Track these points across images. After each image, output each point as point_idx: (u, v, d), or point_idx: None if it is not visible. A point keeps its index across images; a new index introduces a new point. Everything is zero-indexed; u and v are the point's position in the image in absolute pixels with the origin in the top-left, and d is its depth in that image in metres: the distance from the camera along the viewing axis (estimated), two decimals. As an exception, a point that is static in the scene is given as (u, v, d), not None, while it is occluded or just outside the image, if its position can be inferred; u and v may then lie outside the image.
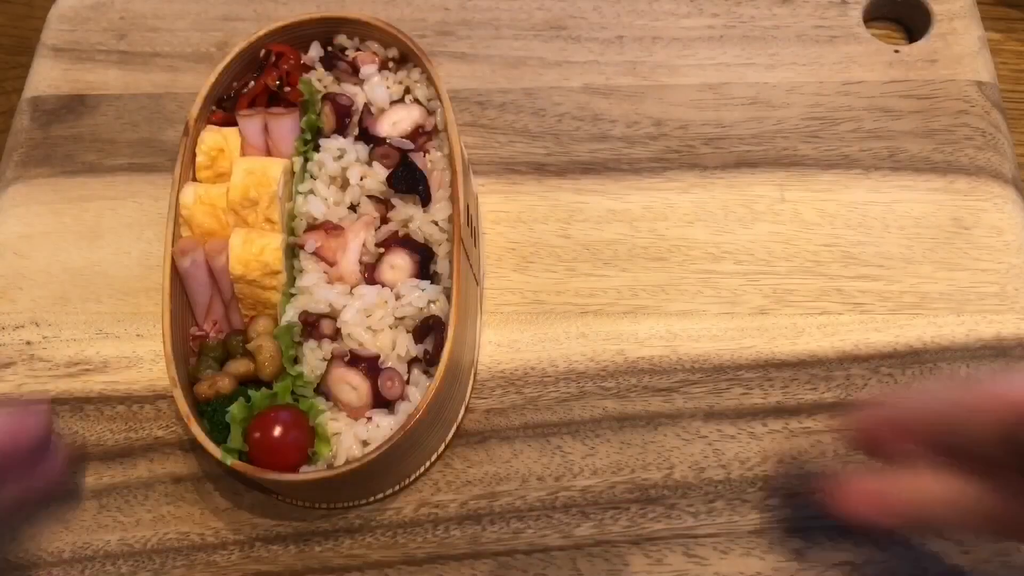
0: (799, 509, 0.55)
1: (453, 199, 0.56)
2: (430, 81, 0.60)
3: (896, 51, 0.69)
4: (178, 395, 0.51)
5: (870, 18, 0.71)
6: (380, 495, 0.55)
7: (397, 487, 0.55)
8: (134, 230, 0.64)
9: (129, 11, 0.72)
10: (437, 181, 0.58)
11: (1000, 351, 0.59)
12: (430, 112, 0.60)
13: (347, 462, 0.50)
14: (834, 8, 0.71)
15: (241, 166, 0.57)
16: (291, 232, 0.57)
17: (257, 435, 0.50)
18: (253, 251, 0.55)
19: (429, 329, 0.54)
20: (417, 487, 0.56)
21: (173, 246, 0.55)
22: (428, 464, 0.56)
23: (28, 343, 0.61)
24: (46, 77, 0.70)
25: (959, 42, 0.69)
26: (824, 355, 0.59)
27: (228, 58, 0.60)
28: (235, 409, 0.51)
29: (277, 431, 0.50)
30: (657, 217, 0.64)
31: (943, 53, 0.69)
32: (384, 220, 0.57)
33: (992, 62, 0.69)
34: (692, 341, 0.60)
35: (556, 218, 0.64)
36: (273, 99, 0.61)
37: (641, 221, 0.64)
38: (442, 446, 0.56)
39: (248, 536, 0.55)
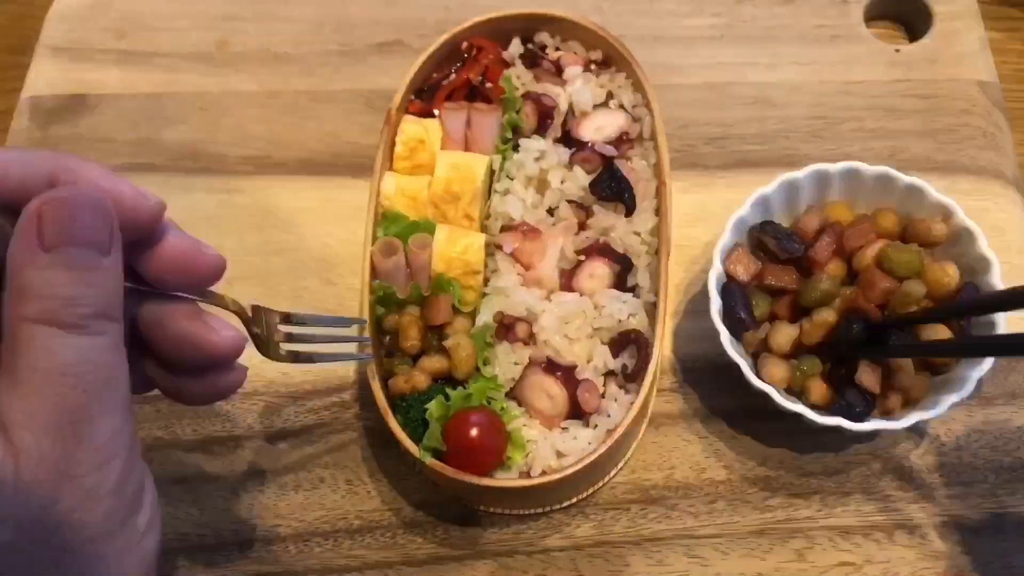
0: (799, 509, 0.55)
1: (661, 210, 0.55)
2: (636, 87, 0.59)
3: (897, 51, 0.69)
4: (376, 387, 0.50)
5: (871, 17, 0.71)
6: (556, 506, 0.54)
7: (575, 499, 0.55)
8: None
9: (129, 11, 0.72)
10: (642, 190, 0.56)
11: (1002, 351, 0.59)
12: (635, 119, 0.59)
13: (545, 472, 0.49)
14: (835, 7, 0.71)
15: (445, 160, 0.55)
16: (485, 230, 0.56)
17: (457, 436, 0.48)
18: (456, 250, 0.53)
19: (628, 342, 0.52)
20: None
21: (374, 244, 0.54)
22: (608, 478, 0.55)
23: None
24: (45, 77, 0.70)
25: (960, 42, 0.69)
26: (825, 355, 0.59)
27: (431, 49, 0.58)
28: (434, 407, 0.49)
29: (475, 433, 0.48)
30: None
31: (944, 52, 0.69)
32: (582, 226, 0.56)
33: (993, 61, 0.69)
34: (693, 341, 0.59)
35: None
36: (471, 93, 0.60)
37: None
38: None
39: (248, 536, 0.55)
